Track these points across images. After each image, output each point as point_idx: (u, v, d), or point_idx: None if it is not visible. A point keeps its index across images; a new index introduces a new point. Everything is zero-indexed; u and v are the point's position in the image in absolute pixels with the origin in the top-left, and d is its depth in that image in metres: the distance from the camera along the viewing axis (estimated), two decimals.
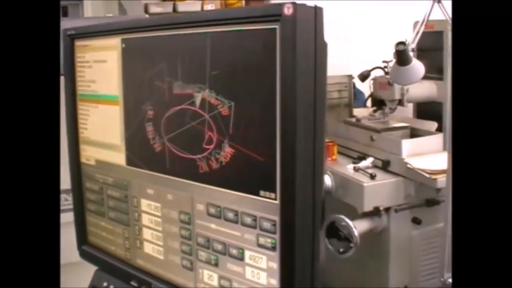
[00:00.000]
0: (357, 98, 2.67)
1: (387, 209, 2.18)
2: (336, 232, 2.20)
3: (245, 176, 0.84)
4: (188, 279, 0.97)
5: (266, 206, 0.81)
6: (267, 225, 0.82)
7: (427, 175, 2.05)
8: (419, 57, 2.43)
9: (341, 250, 2.16)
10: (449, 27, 2.20)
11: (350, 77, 2.59)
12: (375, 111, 2.42)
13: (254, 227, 0.84)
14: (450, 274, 1.71)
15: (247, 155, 0.82)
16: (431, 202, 2.20)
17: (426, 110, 2.44)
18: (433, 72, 2.32)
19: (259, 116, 0.80)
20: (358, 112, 2.59)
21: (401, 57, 2.15)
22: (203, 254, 0.93)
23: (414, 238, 2.24)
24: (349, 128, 2.43)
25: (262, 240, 0.84)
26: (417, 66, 2.19)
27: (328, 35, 0.77)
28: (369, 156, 2.28)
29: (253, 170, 0.82)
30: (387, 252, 2.24)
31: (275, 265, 0.83)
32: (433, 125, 2.34)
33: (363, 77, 2.55)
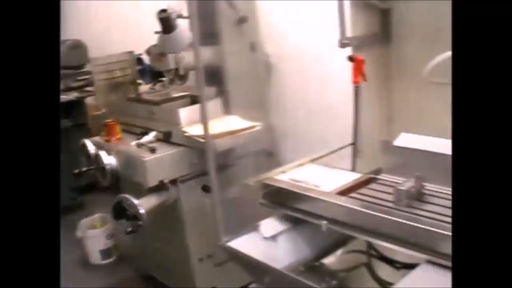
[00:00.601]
0: (147, 74, 2.59)
1: (173, 181, 2.15)
2: (124, 212, 2.13)
3: None
4: None
5: None
6: None
7: (204, 141, 2.04)
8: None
9: (129, 229, 2.10)
10: None
11: (131, 53, 2.50)
12: (154, 84, 2.36)
13: None
14: (227, 238, 1.69)
15: None
16: (218, 168, 2.19)
17: (210, 76, 2.43)
18: (208, 38, 2.30)
19: None
20: (147, 88, 2.52)
21: (165, 24, 2.11)
22: None
23: (207, 206, 2.23)
24: (132, 104, 2.36)
25: None
26: (183, 33, 2.16)
27: None
28: (152, 130, 2.23)
29: None
30: (182, 223, 2.21)
31: None
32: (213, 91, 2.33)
33: (149, 52, 2.48)
